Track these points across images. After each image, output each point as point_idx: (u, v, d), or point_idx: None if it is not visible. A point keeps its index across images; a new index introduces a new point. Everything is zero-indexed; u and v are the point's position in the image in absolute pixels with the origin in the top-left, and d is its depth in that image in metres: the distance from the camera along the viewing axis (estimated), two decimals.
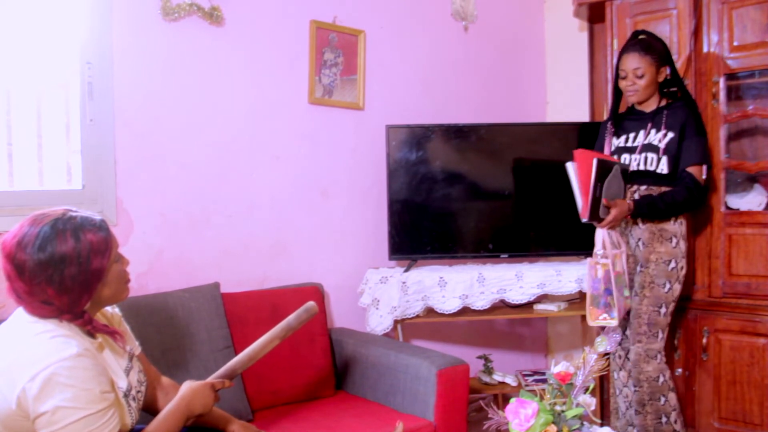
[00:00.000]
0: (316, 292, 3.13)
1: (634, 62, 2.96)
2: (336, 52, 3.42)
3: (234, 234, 3.11)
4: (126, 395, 1.72)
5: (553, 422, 1.85)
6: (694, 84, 3.28)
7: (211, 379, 1.96)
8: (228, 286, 2.98)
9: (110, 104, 2.74)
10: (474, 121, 3.78)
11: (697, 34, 3.29)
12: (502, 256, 3.57)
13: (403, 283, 3.28)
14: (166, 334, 2.61)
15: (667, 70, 3.01)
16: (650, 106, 3.06)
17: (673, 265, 2.95)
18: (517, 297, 3.39)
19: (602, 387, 3.72)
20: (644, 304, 2.95)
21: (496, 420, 1.92)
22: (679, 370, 3.33)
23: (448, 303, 3.33)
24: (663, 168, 2.95)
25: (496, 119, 3.95)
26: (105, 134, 2.74)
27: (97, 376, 1.56)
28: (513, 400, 1.87)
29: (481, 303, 3.37)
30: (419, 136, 3.51)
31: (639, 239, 3.02)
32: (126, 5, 2.76)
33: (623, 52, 3.03)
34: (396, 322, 3.33)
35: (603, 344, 2.07)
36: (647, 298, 2.95)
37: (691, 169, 2.94)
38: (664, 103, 3.05)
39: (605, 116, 3.70)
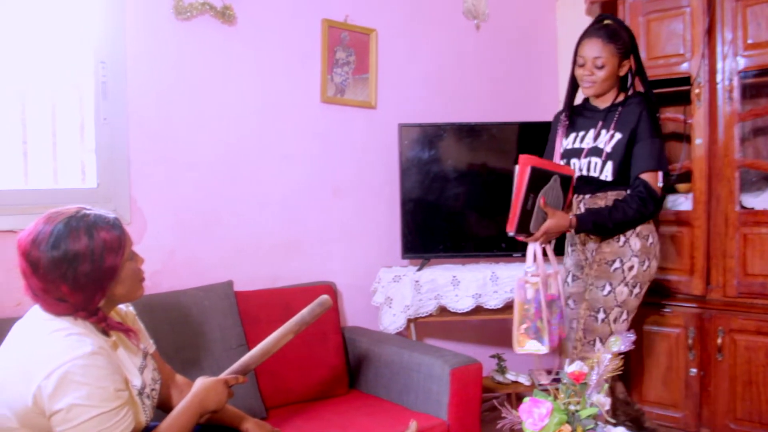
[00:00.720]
0: (328, 291, 3.12)
1: (595, 50, 2.64)
2: (348, 50, 3.42)
3: (246, 232, 3.12)
4: (140, 393, 1.73)
5: (567, 422, 1.84)
6: (707, 83, 3.26)
7: (224, 375, 1.96)
8: (241, 284, 2.99)
9: (124, 103, 2.75)
10: (486, 119, 3.77)
11: (710, 32, 3.27)
12: (515, 255, 3.55)
13: (416, 281, 3.28)
14: (180, 333, 2.62)
15: (631, 63, 2.72)
16: (605, 102, 2.76)
17: (617, 265, 2.65)
18: None
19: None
20: (582, 308, 2.71)
21: (509, 419, 1.91)
22: (694, 370, 3.31)
23: (461, 302, 3.33)
24: (607, 174, 2.67)
25: (508, 118, 3.93)
26: (119, 133, 2.75)
27: (112, 374, 1.56)
28: (527, 400, 1.86)
29: (494, 302, 3.36)
30: (431, 135, 3.50)
31: (593, 252, 2.80)
32: (139, 5, 2.78)
33: (584, 36, 2.71)
34: (409, 320, 3.33)
35: (617, 344, 2.05)
36: (586, 301, 2.70)
37: (645, 176, 2.62)
38: (620, 99, 2.74)
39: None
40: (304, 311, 2.21)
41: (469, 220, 3.58)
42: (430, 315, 3.35)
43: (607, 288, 2.65)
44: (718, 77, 3.25)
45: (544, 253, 2.70)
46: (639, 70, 2.76)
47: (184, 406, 1.79)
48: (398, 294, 3.29)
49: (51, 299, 1.60)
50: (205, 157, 2.99)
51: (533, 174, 2.53)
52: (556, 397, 1.89)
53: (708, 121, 3.28)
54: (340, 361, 3.02)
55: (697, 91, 3.28)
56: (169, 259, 2.89)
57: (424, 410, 2.74)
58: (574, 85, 2.83)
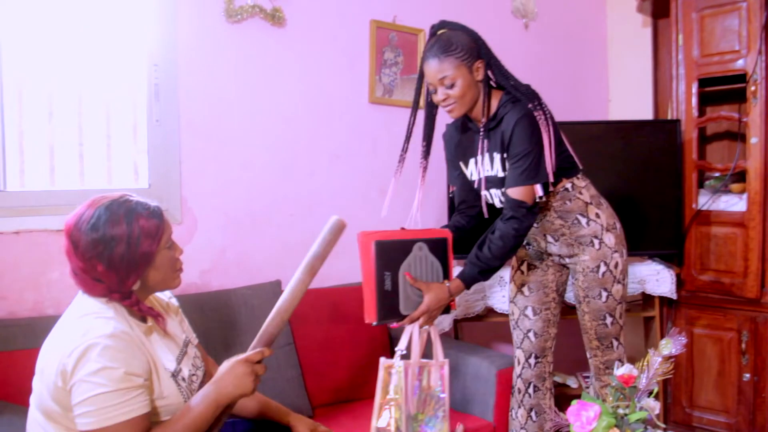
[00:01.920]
0: None
1: (436, 70, 2.29)
2: (396, 51, 3.43)
3: (295, 232, 3.15)
4: (174, 375, 1.76)
5: (616, 426, 1.82)
6: (764, 80, 3.17)
7: (248, 352, 1.82)
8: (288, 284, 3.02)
9: (175, 105, 2.81)
10: None
11: (767, 27, 3.19)
12: None
13: None
14: (229, 331, 2.66)
15: (483, 65, 2.35)
16: (480, 115, 2.38)
17: (603, 269, 2.47)
18: None
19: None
20: (587, 320, 2.56)
21: (557, 422, 1.90)
22: (747, 375, 3.24)
23: (508, 303, 3.30)
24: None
25: (557, 117, 3.87)
26: (170, 134, 2.80)
27: (127, 357, 1.59)
28: (575, 402, 1.85)
29: None
30: None
31: (559, 255, 2.58)
32: (191, 8, 2.83)
33: (422, 61, 2.35)
34: (455, 321, 3.32)
35: (668, 347, 2.02)
36: (587, 313, 2.55)
37: (516, 192, 2.28)
38: (494, 105, 2.36)
39: (669, 114, 3.63)
40: (315, 245, 1.97)
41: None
42: (477, 316, 3.34)
43: (604, 294, 2.50)
44: None
45: (429, 339, 2.38)
46: (499, 72, 2.40)
47: (199, 394, 1.73)
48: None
49: (89, 279, 1.65)
50: (255, 157, 3.03)
51: (381, 249, 2.20)
52: (604, 401, 1.87)
53: (764, 119, 3.20)
54: None
55: (753, 88, 3.21)
56: (219, 258, 2.93)
57: (470, 411, 2.74)
58: (429, 120, 2.48)
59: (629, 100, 4.18)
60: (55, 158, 2.66)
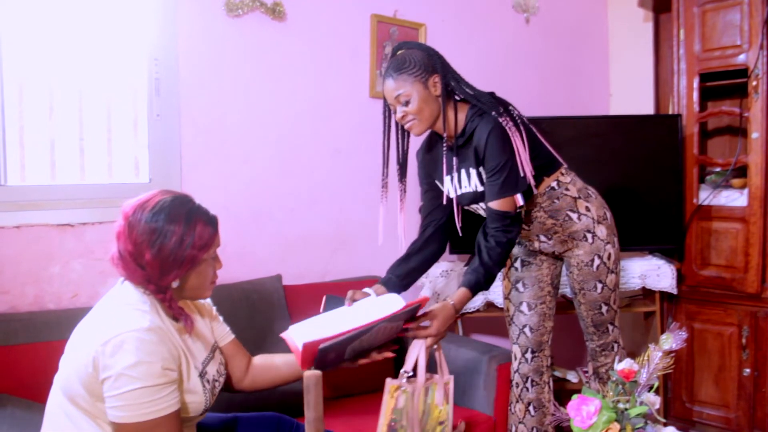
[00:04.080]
0: None
1: (391, 89, 2.25)
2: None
3: (296, 227, 3.15)
4: (201, 375, 1.78)
5: (616, 420, 1.82)
6: (765, 74, 3.17)
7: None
8: (290, 278, 3.02)
9: (176, 100, 2.80)
10: (535, 114, 3.72)
11: None
12: None
13: None
14: (229, 325, 2.66)
15: (439, 79, 2.27)
16: (451, 132, 2.33)
17: (597, 262, 2.50)
18: None
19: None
20: (583, 309, 2.61)
21: (557, 416, 1.90)
22: (747, 370, 3.24)
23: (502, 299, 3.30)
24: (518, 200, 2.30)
25: (558, 112, 3.89)
26: (171, 129, 2.80)
27: (163, 352, 1.61)
28: (575, 397, 1.85)
29: None
30: None
31: (553, 252, 2.59)
32: (191, 2, 2.82)
33: (383, 81, 2.31)
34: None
35: (668, 342, 2.02)
36: (583, 304, 2.60)
37: (499, 204, 2.24)
38: (461, 121, 2.32)
39: (670, 109, 3.62)
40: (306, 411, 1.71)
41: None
42: (478, 310, 3.34)
43: (599, 286, 2.54)
44: None
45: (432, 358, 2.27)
46: (458, 85, 2.34)
47: None
48: (446, 289, 3.28)
49: (133, 263, 1.66)
50: (256, 152, 3.03)
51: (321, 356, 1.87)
52: (605, 395, 1.87)
53: (765, 114, 3.19)
54: None
55: (754, 83, 3.20)
56: (220, 253, 2.92)
57: (471, 405, 2.74)
58: (403, 140, 2.45)
59: (630, 94, 4.17)
60: (55, 153, 2.65)
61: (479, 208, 2.43)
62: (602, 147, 3.55)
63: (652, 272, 3.37)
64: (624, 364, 1.94)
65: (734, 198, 3.34)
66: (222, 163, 2.94)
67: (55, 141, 2.65)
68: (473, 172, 2.34)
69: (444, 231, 2.52)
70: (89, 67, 2.70)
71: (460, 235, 2.43)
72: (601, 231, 2.50)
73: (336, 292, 3.00)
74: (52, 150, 2.65)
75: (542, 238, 2.54)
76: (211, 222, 1.77)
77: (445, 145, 2.33)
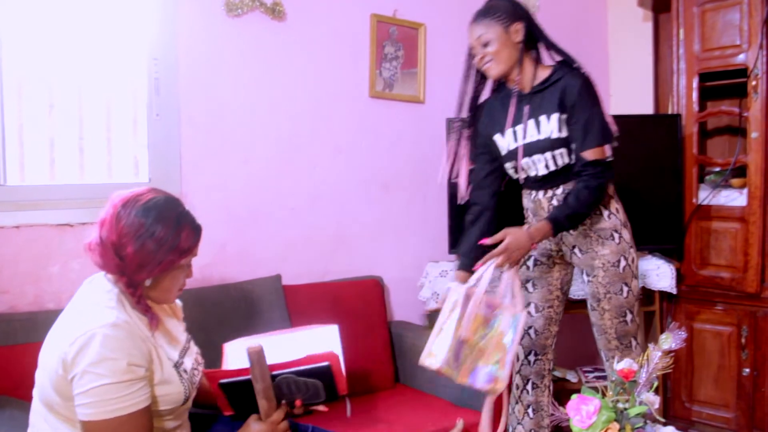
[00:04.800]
0: (376, 285, 3.15)
1: (474, 32, 2.43)
2: (396, 45, 3.43)
3: (296, 227, 3.15)
4: (177, 366, 1.77)
5: (616, 420, 1.82)
6: (765, 74, 3.17)
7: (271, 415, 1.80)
8: (289, 278, 3.02)
9: (176, 99, 2.80)
10: None
11: None
12: None
13: None
14: (229, 325, 2.66)
15: (522, 27, 2.40)
16: (527, 84, 2.46)
17: (623, 263, 2.49)
18: (578, 292, 3.34)
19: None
20: (607, 318, 2.52)
21: (557, 416, 1.90)
22: (747, 370, 3.24)
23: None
24: (571, 157, 2.42)
25: None
26: (171, 128, 2.80)
27: (128, 347, 1.60)
28: (575, 397, 1.85)
29: None
30: None
31: (573, 246, 2.55)
32: (191, 1, 2.82)
33: (468, 28, 2.49)
34: None
35: (668, 341, 2.02)
36: (608, 311, 2.51)
37: (592, 153, 2.34)
38: (542, 75, 2.44)
39: (670, 109, 3.62)
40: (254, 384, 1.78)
41: (516, 215, 3.55)
42: None
43: (625, 289, 2.50)
44: None
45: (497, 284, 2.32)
46: (544, 40, 2.47)
47: None
48: (445, 289, 3.28)
49: (112, 253, 1.67)
50: (256, 151, 3.03)
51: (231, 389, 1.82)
52: (604, 395, 1.88)
53: (765, 114, 3.19)
54: (386, 356, 3.04)
55: (753, 83, 3.20)
56: (220, 253, 2.93)
57: (470, 405, 2.74)
58: (477, 86, 2.56)
59: (630, 94, 4.17)
60: (55, 152, 2.66)
61: (540, 161, 2.44)
62: None
63: (651, 272, 3.37)
64: (623, 364, 1.94)
65: (733, 198, 3.34)
66: (222, 162, 2.94)
67: (54, 140, 2.65)
68: (554, 117, 2.38)
69: (497, 197, 2.60)
70: (89, 66, 2.70)
71: (521, 183, 2.56)
72: (626, 234, 2.52)
73: (336, 292, 3.01)
74: (52, 149, 2.65)
75: None
76: (197, 229, 1.77)
77: (514, 94, 2.45)
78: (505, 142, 2.50)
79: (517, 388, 2.66)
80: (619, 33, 4.24)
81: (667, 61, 3.92)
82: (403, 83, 3.47)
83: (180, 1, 2.79)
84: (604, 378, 3.29)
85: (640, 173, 3.48)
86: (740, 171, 3.33)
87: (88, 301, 1.68)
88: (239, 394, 1.82)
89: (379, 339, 3.03)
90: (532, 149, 2.43)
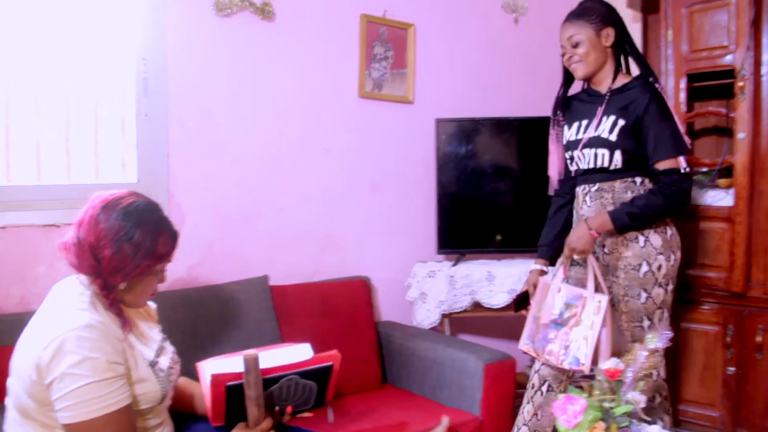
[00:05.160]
0: (363, 286, 3.15)
1: (566, 31, 2.58)
2: (386, 45, 3.43)
3: (284, 227, 3.15)
4: (152, 365, 1.78)
5: (602, 419, 1.83)
6: (752, 75, 3.19)
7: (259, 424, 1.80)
8: (278, 278, 3.02)
9: (164, 100, 2.80)
10: (524, 114, 3.74)
11: (756, 23, 3.19)
12: None
13: (451, 277, 3.28)
14: (216, 326, 2.66)
15: (613, 33, 2.54)
16: (604, 85, 2.60)
17: (645, 268, 2.51)
18: None
19: None
20: (623, 321, 2.60)
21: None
22: (732, 368, 3.26)
23: (495, 297, 3.32)
24: (617, 164, 2.52)
25: (546, 112, 3.87)
26: (159, 129, 2.79)
27: (105, 346, 1.60)
28: (561, 396, 1.86)
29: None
30: (469, 130, 3.49)
31: (603, 245, 2.62)
32: (180, 2, 2.82)
33: (561, 26, 2.66)
34: (443, 316, 3.33)
35: (654, 341, 2.03)
36: (625, 314, 2.58)
37: (663, 165, 2.46)
38: (620, 83, 2.57)
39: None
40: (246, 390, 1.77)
41: (505, 215, 3.57)
42: (465, 310, 3.35)
43: (644, 295, 2.53)
44: (763, 69, 3.18)
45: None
46: (631, 49, 2.61)
47: None
48: (433, 289, 3.29)
49: (88, 254, 1.67)
50: (244, 152, 3.03)
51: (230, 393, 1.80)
52: (590, 394, 1.89)
53: (752, 115, 3.20)
54: (374, 356, 3.04)
55: (741, 84, 3.21)
56: (208, 253, 2.93)
57: (457, 406, 2.75)
58: (567, 80, 2.75)
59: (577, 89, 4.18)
60: (41, 153, 2.64)
61: (586, 156, 2.58)
62: None
63: None
64: (610, 363, 1.95)
65: (720, 198, 3.35)
66: (210, 163, 2.94)
67: (41, 141, 2.64)
68: (611, 119, 2.51)
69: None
70: (76, 66, 2.69)
71: (572, 174, 2.70)
72: (656, 240, 2.52)
73: (325, 292, 3.01)
74: (38, 150, 2.64)
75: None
76: (173, 236, 1.78)
77: (591, 92, 2.64)
78: (569, 133, 2.66)
79: (532, 388, 2.66)
80: None
81: (655, 61, 3.92)
82: (392, 83, 3.47)
83: (169, 1, 2.78)
84: (591, 377, 3.30)
85: None
86: (727, 171, 3.34)
87: (60, 305, 1.68)
88: (240, 401, 1.80)
89: (367, 339, 3.04)
90: (586, 143, 2.57)
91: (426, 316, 3.30)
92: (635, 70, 2.65)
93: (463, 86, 3.75)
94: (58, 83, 2.66)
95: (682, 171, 2.45)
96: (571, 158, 2.66)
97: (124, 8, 2.74)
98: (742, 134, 3.22)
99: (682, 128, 2.51)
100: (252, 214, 3.06)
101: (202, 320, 2.61)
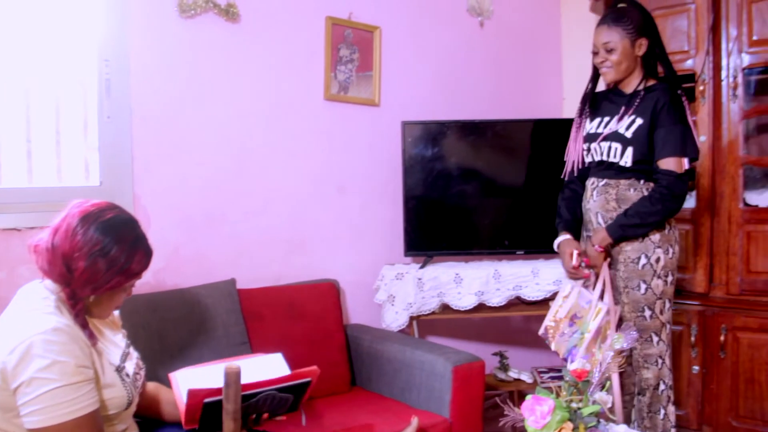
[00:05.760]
0: (331, 288, 3.14)
1: (603, 35, 2.64)
2: (351, 48, 3.42)
3: (250, 230, 3.12)
4: (119, 370, 1.76)
5: (570, 419, 1.84)
6: (711, 79, 3.25)
7: None
8: (244, 282, 2.99)
9: (127, 101, 2.76)
10: (490, 117, 3.76)
11: (715, 28, 3.26)
12: (518, 252, 3.55)
13: (419, 279, 3.28)
14: (183, 330, 2.63)
15: (646, 44, 2.64)
16: (630, 86, 2.71)
17: (643, 261, 2.63)
18: (533, 293, 3.38)
19: None
20: (626, 311, 2.68)
21: (511, 417, 1.92)
22: (696, 367, 3.31)
23: (463, 299, 3.33)
24: (627, 160, 2.63)
25: (512, 115, 3.93)
26: (122, 131, 2.75)
27: (74, 350, 1.59)
28: (529, 397, 1.87)
29: (496, 299, 3.36)
30: (435, 132, 3.50)
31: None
32: (143, 2, 2.78)
33: (597, 25, 2.71)
34: (411, 318, 3.33)
35: (619, 341, 2.06)
36: (627, 304, 2.68)
37: (665, 163, 2.57)
38: (645, 84, 2.68)
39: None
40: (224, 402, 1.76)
41: (472, 217, 3.58)
42: (433, 313, 3.36)
43: (643, 286, 2.64)
44: (723, 74, 3.25)
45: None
46: (661, 55, 2.71)
47: None
48: (401, 292, 3.29)
49: (60, 263, 1.64)
50: (210, 154, 3.00)
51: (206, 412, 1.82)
52: (558, 395, 1.90)
53: (712, 118, 3.27)
54: (342, 359, 3.03)
55: (701, 88, 3.28)
56: (173, 257, 2.89)
57: (427, 408, 2.74)
58: (595, 75, 2.82)
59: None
60: (1, 155, 2.58)
61: (600, 149, 2.71)
62: (555, 149, 3.60)
63: None
64: (576, 364, 1.96)
65: None
66: (175, 165, 2.90)
67: (1, 143, 2.58)
68: (632, 118, 2.63)
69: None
70: (37, 66, 2.63)
71: (586, 165, 2.84)
72: (654, 236, 2.64)
73: (292, 296, 2.99)
74: None
75: (599, 218, 2.72)
76: (148, 255, 1.77)
77: (617, 92, 2.74)
78: (590, 126, 2.78)
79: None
80: (572, 38, 4.30)
81: None
82: (358, 86, 3.46)
83: (132, 1, 2.74)
84: (559, 378, 3.33)
85: None
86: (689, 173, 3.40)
87: (25, 309, 1.65)
88: (215, 413, 1.80)
89: (336, 342, 3.02)
90: (604, 137, 2.69)
91: (394, 319, 3.30)
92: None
93: (430, 89, 3.76)
94: (19, 84, 2.61)
95: (680, 173, 2.55)
96: (588, 150, 2.78)
97: (85, 8, 2.69)
98: (703, 137, 3.28)
99: (696, 135, 2.64)
100: (218, 216, 3.03)
101: (169, 324, 2.58)
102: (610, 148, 2.67)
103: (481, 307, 3.40)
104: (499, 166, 3.59)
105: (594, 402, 1.88)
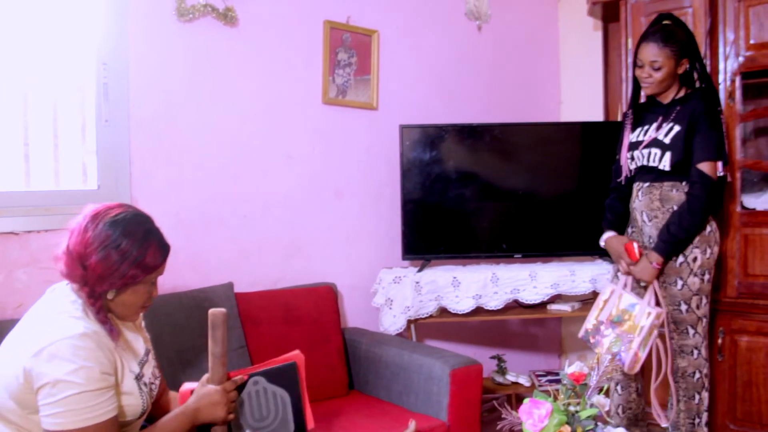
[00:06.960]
0: (329, 292, 3.14)
1: (652, 53, 2.78)
2: (350, 52, 3.43)
3: (248, 234, 3.12)
4: (137, 378, 1.77)
5: (567, 423, 1.84)
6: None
7: (226, 380, 1.86)
8: (242, 286, 2.99)
9: (125, 105, 2.76)
10: (488, 120, 3.77)
11: (712, 32, 3.27)
12: (515, 255, 3.56)
13: (417, 283, 3.28)
14: (181, 334, 2.63)
15: (687, 63, 2.83)
16: (667, 97, 2.88)
17: (681, 259, 2.81)
18: (530, 297, 3.38)
19: None
20: (665, 304, 2.83)
21: (509, 420, 1.92)
22: None
23: (461, 303, 3.33)
24: (665, 164, 2.80)
25: (509, 119, 3.94)
26: (120, 135, 2.75)
27: (99, 356, 1.61)
28: (527, 401, 1.87)
29: (494, 303, 3.36)
30: (433, 136, 3.51)
31: (650, 237, 2.89)
32: (141, 6, 2.78)
33: (642, 39, 2.84)
34: (409, 322, 3.33)
35: (617, 345, 2.06)
36: (665, 298, 2.83)
37: (702, 166, 2.75)
38: (681, 93, 2.87)
39: (619, 116, 3.70)
40: (210, 346, 1.86)
41: (470, 221, 3.58)
42: (431, 316, 3.36)
43: (680, 282, 2.82)
44: (720, 78, 3.25)
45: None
46: (701, 70, 2.86)
47: (178, 411, 1.81)
48: (399, 295, 3.29)
49: (77, 262, 1.68)
50: (208, 158, 3.00)
51: None
52: (556, 398, 1.90)
53: None
54: (340, 362, 3.03)
55: None
56: (171, 260, 2.85)
57: (424, 411, 2.74)
58: (636, 85, 2.95)
59: (580, 102, 4.24)
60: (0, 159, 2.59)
61: (644, 156, 2.87)
62: (553, 153, 3.61)
63: (601, 276, 3.43)
64: (574, 368, 1.97)
65: None
66: (173, 169, 2.90)
67: None
68: (671, 125, 2.81)
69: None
70: (35, 70, 2.63)
71: (631, 173, 2.99)
72: (694, 237, 2.80)
73: (289, 299, 2.99)
74: None
75: (644, 217, 2.91)
76: (163, 248, 1.79)
77: (656, 102, 2.91)
78: (632, 135, 2.95)
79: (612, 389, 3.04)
80: (569, 41, 4.31)
81: (616, 69, 3.99)
82: (356, 90, 3.47)
83: (130, 5, 2.75)
84: (557, 381, 3.34)
85: (589, 179, 3.54)
86: None
87: (53, 311, 1.67)
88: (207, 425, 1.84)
89: (333, 346, 3.02)
90: (652, 142, 2.85)
91: (392, 322, 3.30)
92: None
93: (427, 92, 3.76)
94: (17, 87, 2.61)
95: (715, 178, 2.76)
96: (632, 157, 2.94)
97: (84, 12, 2.69)
98: None
99: (726, 142, 2.85)
100: (216, 220, 3.03)
101: (166, 328, 2.57)
102: (650, 153, 2.84)
103: (478, 311, 3.40)
104: (496, 170, 3.60)
105: (592, 405, 1.89)
